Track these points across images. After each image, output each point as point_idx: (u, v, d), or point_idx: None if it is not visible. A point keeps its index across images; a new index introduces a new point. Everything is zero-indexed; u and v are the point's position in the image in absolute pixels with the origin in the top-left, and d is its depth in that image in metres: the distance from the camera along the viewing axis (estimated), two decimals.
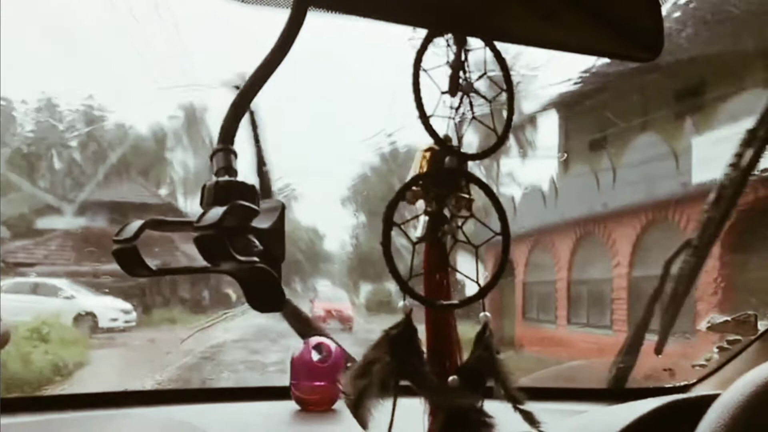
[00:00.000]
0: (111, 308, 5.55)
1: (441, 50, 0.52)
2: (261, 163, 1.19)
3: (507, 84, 0.50)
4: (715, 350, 1.01)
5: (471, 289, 0.56)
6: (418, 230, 0.55)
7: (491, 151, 0.53)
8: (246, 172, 0.48)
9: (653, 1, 0.50)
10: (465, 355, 0.55)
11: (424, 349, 0.53)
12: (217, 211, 0.42)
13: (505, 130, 0.52)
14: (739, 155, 1.04)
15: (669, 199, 6.07)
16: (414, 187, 0.53)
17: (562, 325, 7.81)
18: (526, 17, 0.49)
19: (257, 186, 0.47)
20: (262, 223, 0.47)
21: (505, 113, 0.53)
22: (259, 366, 5.00)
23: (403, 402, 0.52)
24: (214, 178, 0.47)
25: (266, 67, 0.47)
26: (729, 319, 0.97)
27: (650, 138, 6.51)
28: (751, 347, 0.98)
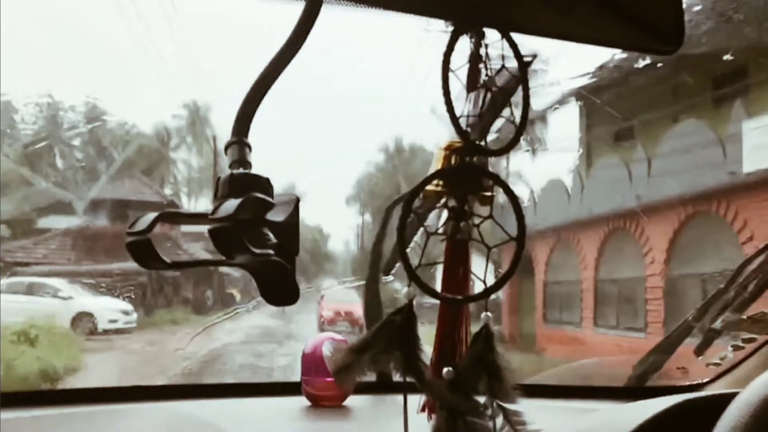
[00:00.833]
0: (110, 309, 5.44)
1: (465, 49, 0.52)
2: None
3: (522, 76, 0.51)
4: (730, 349, 1.02)
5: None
6: (433, 223, 0.56)
7: (511, 145, 0.53)
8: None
9: None
10: None
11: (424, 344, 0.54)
12: (232, 203, 0.43)
13: (522, 123, 0.53)
14: None
15: (713, 190, 5.64)
16: (435, 183, 0.54)
17: (588, 327, 7.45)
18: (544, 9, 0.50)
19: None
20: (276, 216, 0.47)
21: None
22: (265, 371, 4.94)
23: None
24: (229, 171, 0.47)
25: (280, 60, 0.47)
26: (744, 317, 0.97)
27: (691, 126, 6.03)
28: (767, 346, 0.99)
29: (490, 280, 0.54)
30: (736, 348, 1.01)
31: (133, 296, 5.38)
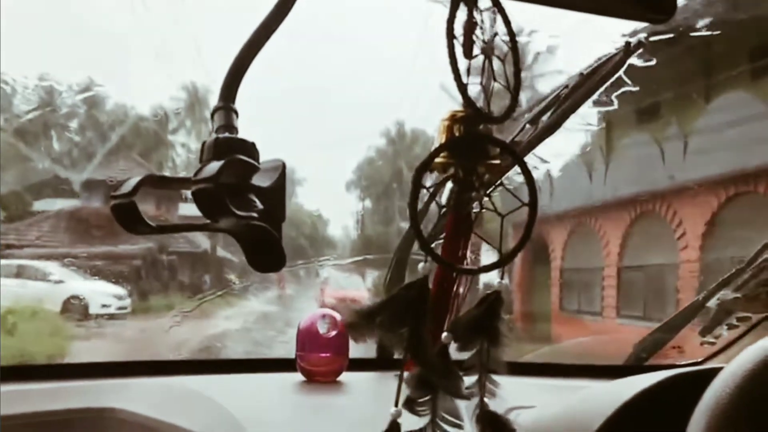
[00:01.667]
0: (103, 293, 5.26)
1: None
2: None
3: (512, 41, 0.51)
4: (725, 327, 1.03)
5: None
6: (443, 197, 0.56)
7: (509, 112, 0.53)
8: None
9: None
10: None
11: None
12: (214, 165, 0.43)
13: (516, 89, 0.53)
14: None
15: (760, 168, 5.17)
16: (442, 155, 0.54)
17: (610, 318, 6.94)
18: None
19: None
20: (262, 181, 0.48)
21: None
22: None
23: None
24: (214, 135, 0.48)
25: (268, 25, 0.47)
26: (739, 296, 0.99)
27: (733, 98, 5.47)
28: (761, 325, 1.00)
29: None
30: (730, 327, 1.03)
31: (127, 280, 5.29)
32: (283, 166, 0.50)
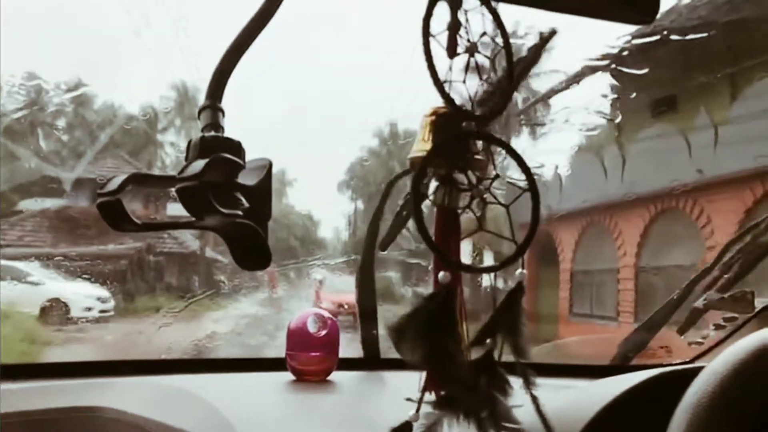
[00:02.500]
0: (85, 295, 5.07)
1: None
2: None
3: (504, 39, 0.53)
4: (712, 327, 1.06)
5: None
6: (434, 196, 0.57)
7: (500, 109, 0.54)
8: None
9: None
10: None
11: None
12: (199, 163, 0.44)
13: (509, 86, 0.54)
14: None
15: None
16: (423, 150, 0.54)
17: (627, 323, 6.58)
18: None
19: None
20: (248, 180, 0.48)
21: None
22: None
23: None
24: (200, 134, 0.48)
25: (256, 23, 0.48)
26: (726, 296, 1.01)
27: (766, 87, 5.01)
28: (748, 325, 1.02)
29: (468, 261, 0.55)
30: (717, 327, 1.05)
31: (112, 282, 5.15)
32: (270, 165, 0.50)
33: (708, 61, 4.98)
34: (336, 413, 0.94)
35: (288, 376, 1.11)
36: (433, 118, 0.58)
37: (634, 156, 6.12)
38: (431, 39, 0.51)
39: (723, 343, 1.07)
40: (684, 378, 0.55)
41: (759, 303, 1.02)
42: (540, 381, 0.55)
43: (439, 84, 0.51)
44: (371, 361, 1.21)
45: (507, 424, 0.53)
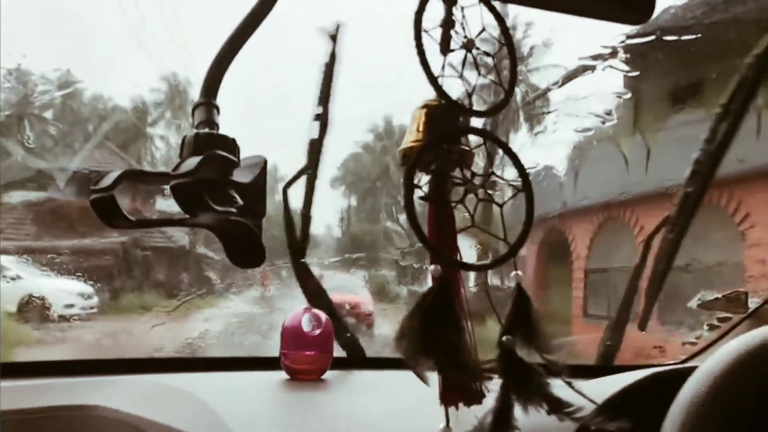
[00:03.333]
0: (66, 292, 4.89)
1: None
2: None
3: (505, 37, 0.53)
4: (706, 328, 1.07)
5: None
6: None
7: (500, 106, 0.55)
8: None
9: None
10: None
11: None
12: (193, 160, 0.44)
13: (511, 84, 0.54)
14: (713, 130, 1.08)
15: None
16: (413, 141, 0.55)
17: (650, 325, 6.09)
18: None
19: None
20: (243, 177, 0.49)
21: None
22: None
23: None
24: (194, 131, 0.49)
25: (251, 20, 0.49)
26: (719, 296, 1.03)
27: None
28: (742, 325, 1.04)
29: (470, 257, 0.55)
30: (711, 327, 1.06)
31: (95, 277, 5.03)
32: (264, 162, 0.51)
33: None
34: (330, 412, 0.94)
35: (282, 374, 1.12)
36: (426, 110, 0.58)
37: (659, 144, 5.62)
38: (425, 34, 0.52)
39: (716, 343, 1.08)
40: (678, 378, 0.56)
41: (752, 303, 1.03)
42: None
43: (432, 78, 0.52)
44: (367, 360, 1.22)
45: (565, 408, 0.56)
